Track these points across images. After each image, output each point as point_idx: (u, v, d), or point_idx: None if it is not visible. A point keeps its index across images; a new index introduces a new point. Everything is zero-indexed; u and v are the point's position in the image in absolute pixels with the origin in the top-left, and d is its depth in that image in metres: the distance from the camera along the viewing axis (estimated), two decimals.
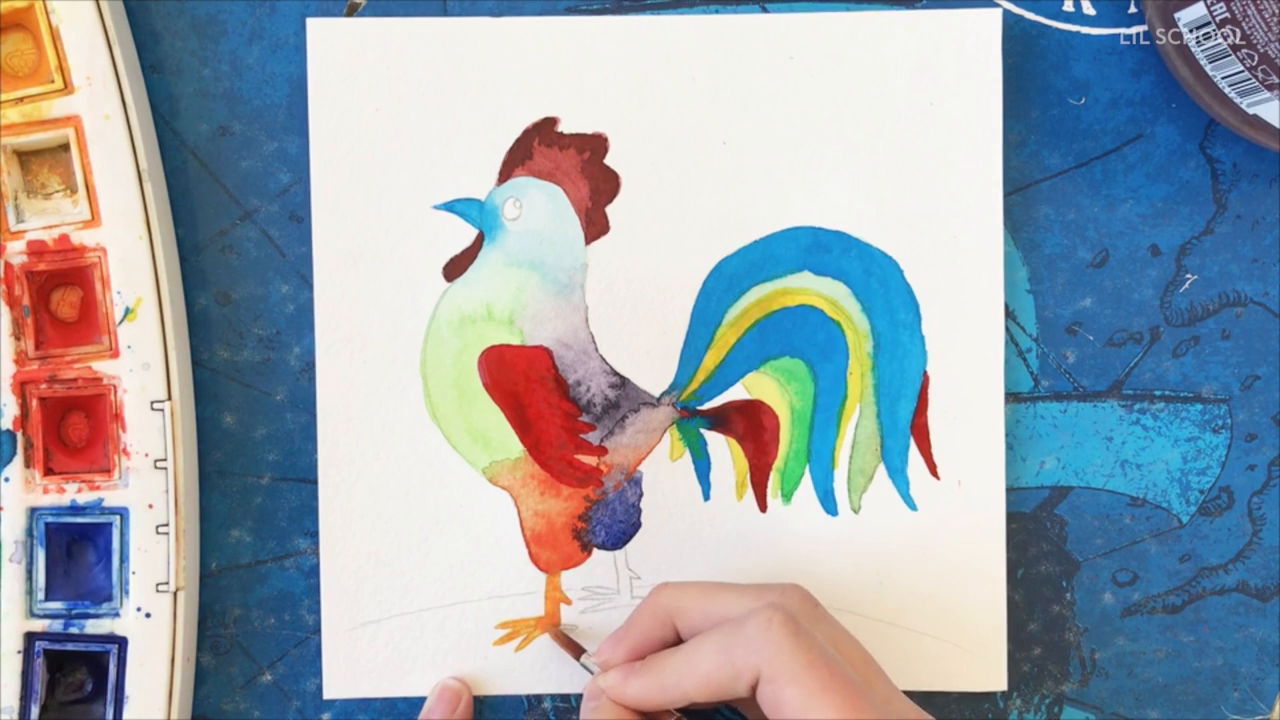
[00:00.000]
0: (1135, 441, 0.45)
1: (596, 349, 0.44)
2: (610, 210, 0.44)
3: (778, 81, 0.44)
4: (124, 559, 0.41)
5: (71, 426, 0.42)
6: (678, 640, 0.40)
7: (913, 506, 0.44)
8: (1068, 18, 0.44)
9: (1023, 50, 0.44)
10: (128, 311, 0.41)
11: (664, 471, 0.44)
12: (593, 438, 0.44)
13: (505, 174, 0.43)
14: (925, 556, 0.44)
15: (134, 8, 0.43)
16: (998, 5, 0.44)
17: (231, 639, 0.44)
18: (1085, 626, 0.45)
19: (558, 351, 0.44)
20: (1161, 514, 0.45)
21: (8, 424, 0.41)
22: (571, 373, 0.44)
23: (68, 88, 0.41)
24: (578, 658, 0.42)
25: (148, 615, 0.41)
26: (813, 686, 0.36)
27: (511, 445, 0.44)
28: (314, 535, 0.44)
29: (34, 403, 0.41)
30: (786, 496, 0.44)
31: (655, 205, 0.44)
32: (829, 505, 0.44)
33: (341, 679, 0.44)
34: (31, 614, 0.41)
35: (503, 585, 0.44)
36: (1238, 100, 0.41)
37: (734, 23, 0.43)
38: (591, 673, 0.41)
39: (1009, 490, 0.45)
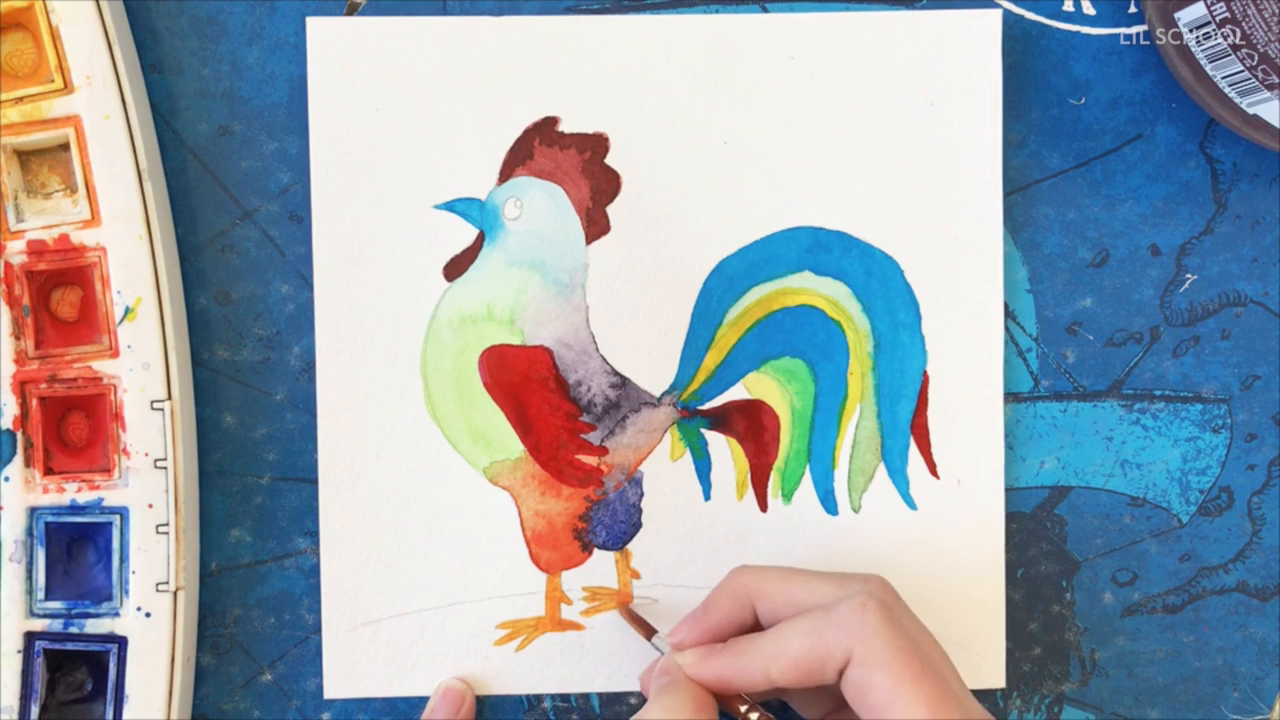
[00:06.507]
0: (1135, 441, 0.45)
1: (597, 349, 0.44)
2: (611, 210, 0.44)
3: (778, 81, 0.44)
4: (124, 559, 0.41)
5: (71, 426, 0.42)
6: (755, 624, 0.40)
7: (913, 506, 0.44)
8: (1068, 18, 0.44)
9: (1023, 50, 0.44)
10: (128, 311, 0.41)
11: (665, 471, 0.44)
12: (593, 438, 0.44)
13: (506, 174, 0.43)
14: (925, 556, 0.44)
15: (134, 8, 0.43)
16: (998, 5, 0.44)
17: (231, 639, 0.44)
18: (1085, 626, 0.45)
19: (558, 351, 0.44)
20: (1161, 514, 0.45)
21: (8, 424, 0.41)
22: (572, 373, 0.44)
23: (68, 88, 0.41)
24: (649, 638, 0.42)
25: (148, 615, 0.41)
26: (903, 674, 0.36)
27: (512, 445, 0.44)
28: (314, 535, 0.44)
29: (34, 402, 0.41)
30: (787, 496, 0.44)
31: (656, 205, 0.44)
32: (829, 505, 0.44)
33: (341, 679, 0.44)
34: (31, 614, 0.41)
35: (503, 585, 0.44)
36: (1238, 100, 0.41)
37: (734, 23, 0.43)
38: (662, 653, 0.41)
39: (1009, 490, 0.45)
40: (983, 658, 0.44)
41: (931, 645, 0.38)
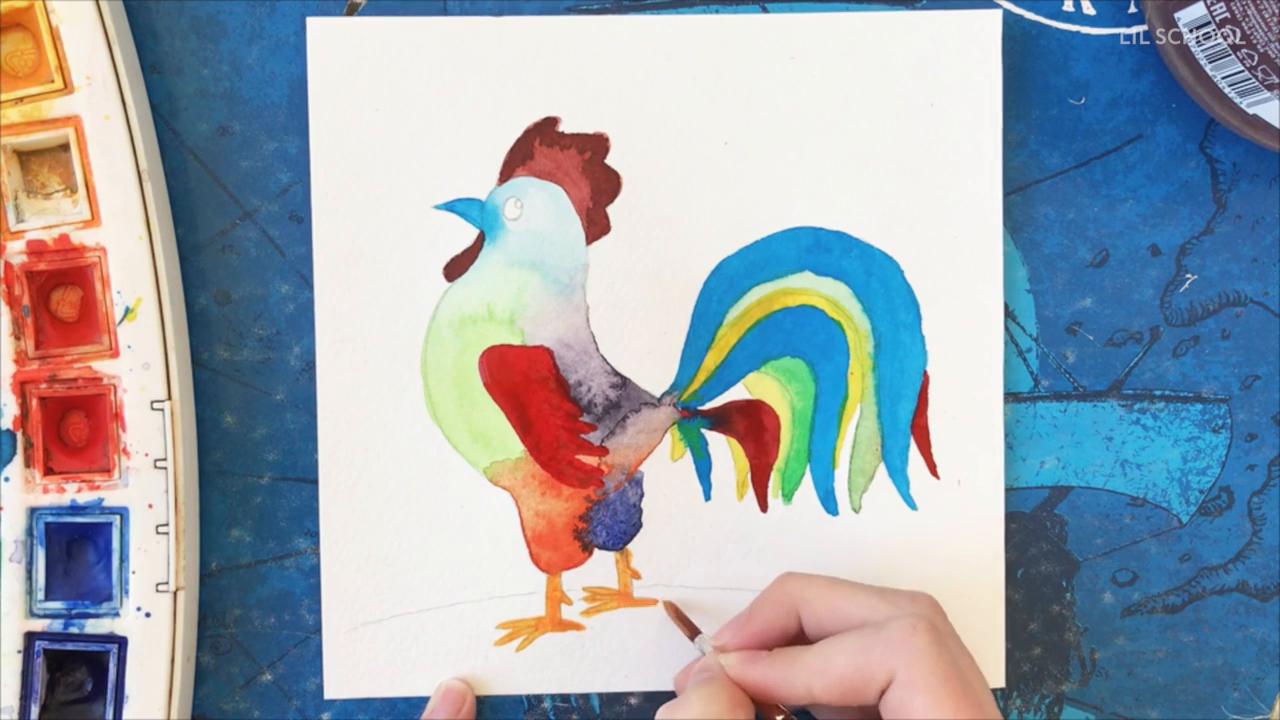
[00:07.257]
0: (1135, 441, 0.45)
1: (597, 349, 0.44)
2: (611, 210, 0.44)
3: (778, 82, 0.44)
4: (124, 559, 0.41)
5: (71, 426, 0.42)
6: (799, 632, 0.40)
7: (913, 506, 0.44)
8: (1068, 18, 0.44)
9: (1023, 50, 0.44)
10: (128, 311, 0.41)
11: (665, 472, 0.44)
12: (594, 438, 0.44)
13: (506, 174, 0.43)
14: (925, 556, 0.44)
15: (134, 8, 0.43)
16: (998, 5, 0.44)
17: (231, 639, 0.44)
18: (1085, 626, 0.45)
19: (559, 352, 0.44)
20: (1161, 514, 0.45)
21: (8, 424, 0.41)
22: (572, 373, 0.44)
23: (68, 88, 0.41)
24: (692, 638, 0.42)
25: (148, 615, 0.41)
26: (945, 700, 0.36)
27: (512, 445, 0.44)
28: (314, 535, 0.44)
29: (34, 402, 0.41)
30: (787, 496, 0.44)
31: (656, 205, 0.44)
32: (829, 505, 0.44)
33: (342, 679, 0.44)
34: (31, 614, 0.41)
35: (503, 585, 0.44)
36: (1238, 100, 0.41)
37: (734, 23, 0.43)
38: (703, 654, 0.41)
39: (1009, 490, 0.45)
40: (983, 658, 0.44)
41: (972, 670, 0.38)
